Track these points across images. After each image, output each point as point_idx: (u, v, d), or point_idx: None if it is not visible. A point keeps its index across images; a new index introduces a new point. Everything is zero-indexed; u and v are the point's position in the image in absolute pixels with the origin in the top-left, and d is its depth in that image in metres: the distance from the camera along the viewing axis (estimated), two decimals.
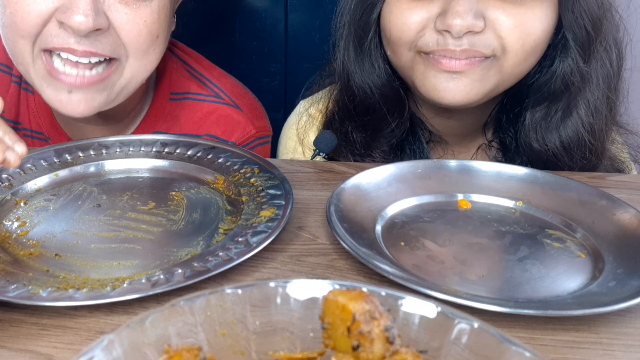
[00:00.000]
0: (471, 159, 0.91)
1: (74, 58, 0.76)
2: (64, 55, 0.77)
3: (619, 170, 0.89)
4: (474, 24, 0.73)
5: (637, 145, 0.91)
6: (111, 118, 0.91)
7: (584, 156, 0.82)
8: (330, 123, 0.92)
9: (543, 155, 0.83)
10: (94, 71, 0.78)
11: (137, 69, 0.81)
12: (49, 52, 0.77)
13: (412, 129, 0.89)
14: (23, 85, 0.94)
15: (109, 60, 0.79)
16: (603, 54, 0.80)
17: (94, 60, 0.77)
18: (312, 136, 0.94)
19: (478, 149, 0.91)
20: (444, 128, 0.91)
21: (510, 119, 0.87)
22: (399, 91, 0.86)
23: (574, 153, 0.82)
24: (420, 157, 0.89)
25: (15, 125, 0.94)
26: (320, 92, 0.97)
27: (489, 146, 0.91)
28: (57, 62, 0.77)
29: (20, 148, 0.57)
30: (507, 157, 0.89)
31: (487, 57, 0.76)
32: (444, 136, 0.91)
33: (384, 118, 0.86)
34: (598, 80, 0.81)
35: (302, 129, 0.95)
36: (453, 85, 0.77)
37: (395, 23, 0.78)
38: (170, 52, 0.95)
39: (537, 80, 0.82)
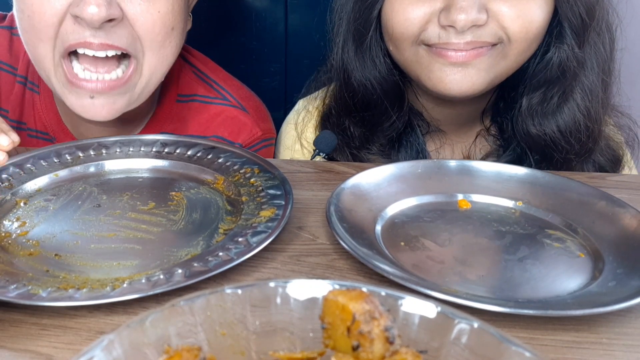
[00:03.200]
0: (469, 148, 0.91)
1: (90, 52, 0.76)
2: (80, 51, 0.77)
3: (615, 151, 0.89)
4: (477, 18, 0.73)
5: (629, 127, 0.91)
6: (119, 120, 0.91)
7: (581, 140, 0.82)
8: (327, 118, 0.93)
9: (541, 141, 0.83)
10: (113, 75, 0.79)
11: (154, 64, 0.81)
12: (69, 58, 0.78)
13: (409, 122, 0.89)
14: (28, 86, 0.94)
15: (126, 58, 0.80)
16: (596, 38, 0.81)
17: (110, 53, 0.77)
18: (310, 131, 0.95)
19: (477, 136, 0.91)
20: (443, 117, 0.91)
21: (508, 105, 0.87)
22: (399, 84, 0.86)
23: (571, 137, 0.82)
24: (417, 149, 0.89)
25: (20, 125, 0.94)
26: (318, 91, 0.97)
27: (488, 133, 0.91)
28: (76, 68, 0.78)
29: (13, 136, 0.59)
30: (505, 141, 0.89)
31: (493, 45, 0.77)
32: (442, 126, 0.92)
33: (384, 112, 0.86)
34: (593, 64, 0.82)
35: (301, 124, 0.96)
36: (460, 76, 0.77)
37: (398, 20, 0.78)
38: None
39: (533, 66, 0.83)
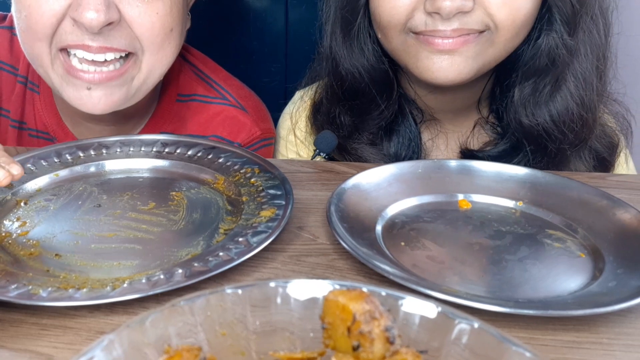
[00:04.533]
0: (466, 138, 0.91)
1: (89, 56, 0.76)
2: (79, 54, 0.77)
3: (611, 137, 0.88)
4: (463, 5, 0.73)
5: (622, 115, 0.90)
6: (119, 118, 0.91)
7: (574, 130, 0.82)
8: (317, 107, 0.92)
9: (534, 131, 0.83)
10: (111, 67, 0.78)
11: (153, 63, 0.81)
12: (66, 51, 0.78)
13: (401, 110, 0.89)
14: (29, 86, 0.94)
15: (126, 56, 0.80)
16: (590, 24, 0.80)
17: (109, 57, 0.77)
18: (303, 121, 0.95)
19: (475, 126, 0.91)
20: (437, 105, 0.90)
21: (504, 93, 0.86)
22: (388, 73, 0.86)
23: (564, 127, 0.81)
24: (410, 138, 0.89)
25: (21, 125, 0.94)
26: (316, 82, 0.97)
27: (486, 122, 0.91)
28: (74, 61, 0.78)
29: (15, 169, 0.58)
30: (503, 129, 0.88)
31: (480, 32, 0.76)
32: (437, 114, 0.91)
33: (373, 101, 0.86)
34: (586, 51, 0.80)
35: (296, 115, 0.96)
36: (446, 64, 0.77)
37: (385, 7, 0.78)
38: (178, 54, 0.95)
39: (524, 54, 0.82)
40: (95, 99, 0.79)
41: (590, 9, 0.79)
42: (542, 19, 0.79)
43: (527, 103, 0.82)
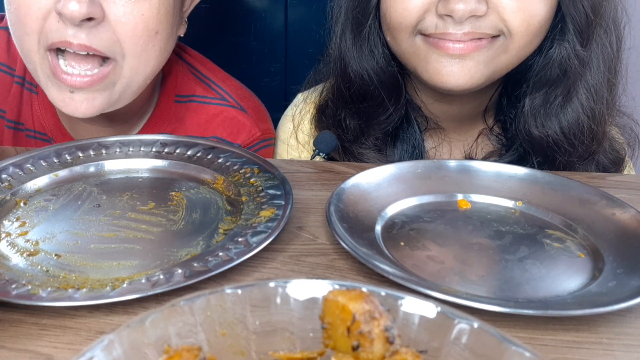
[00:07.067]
0: (470, 147, 0.90)
1: (71, 50, 0.76)
2: (62, 47, 0.77)
3: (618, 152, 0.88)
4: (476, 9, 0.72)
5: (630, 127, 0.90)
6: (116, 119, 0.91)
7: (584, 142, 0.81)
8: (323, 110, 0.92)
9: (543, 143, 0.82)
10: (95, 70, 0.78)
11: (136, 66, 0.80)
12: (54, 52, 0.78)
13: (407, 117, 0.88)
14: (26, 86, 0.94)
15: (106, 60, 0.79)
16: (603, 36, 0.79)
17: (90, 54, 0.77)
18: (306, 124, 0.94)
19: (479, 135, 0.90)
20: (442, 114, 0.89)
21: (512, 103, 0.86)
22: (397, 76, 0.85)
23: (574, 139, 0.81)
24: (414, 145, 0.88)
25: (17, 126, 0.94)
26: (318, 85, 0.96)
27: (491, 132, 0.90)
28: (61, 62, 0.78)
29: None
30: (508, 140, 0.88)
31: (493, 37, 0.75)
32: (442, 122, 0.90)
33: (381, 104, 0.85)
34: (599, 63, 0.80)
35: (298, 117, 0.95)
36: (457, 68, 0.75)
37: (396, 9, 0.77)
38: (175, 54, 0.95)
39: (536, 64, 0.81)
40: (78, 103, 0.78)
41: (604, 20, 0.78)
42: (555, 28, 0.78)
43: (537, 114, 0.81)
